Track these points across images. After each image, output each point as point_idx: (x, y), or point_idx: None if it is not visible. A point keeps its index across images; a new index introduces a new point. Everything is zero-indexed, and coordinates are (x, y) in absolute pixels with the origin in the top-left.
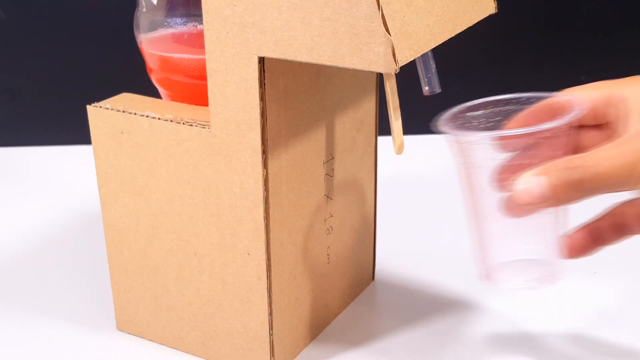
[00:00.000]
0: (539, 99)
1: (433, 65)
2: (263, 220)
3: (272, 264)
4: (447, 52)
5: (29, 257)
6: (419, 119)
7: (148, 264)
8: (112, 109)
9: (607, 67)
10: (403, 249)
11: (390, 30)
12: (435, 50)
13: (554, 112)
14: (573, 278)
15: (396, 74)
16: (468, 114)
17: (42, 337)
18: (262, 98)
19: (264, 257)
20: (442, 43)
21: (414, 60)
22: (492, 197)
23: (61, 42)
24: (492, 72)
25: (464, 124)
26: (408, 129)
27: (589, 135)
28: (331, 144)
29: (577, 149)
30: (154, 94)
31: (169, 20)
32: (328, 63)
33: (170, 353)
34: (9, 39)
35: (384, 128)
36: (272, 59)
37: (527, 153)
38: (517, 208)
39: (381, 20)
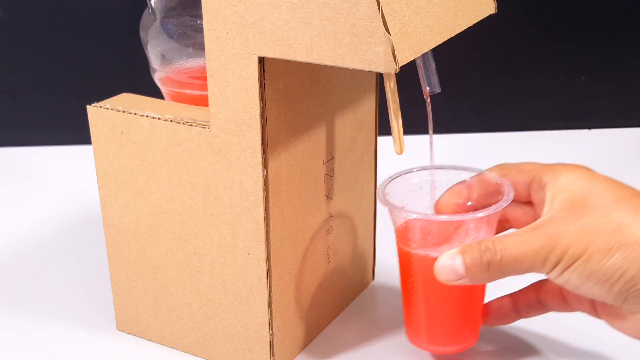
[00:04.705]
0: (474, 171)
1: (433, 65)
2: (263, 220)
3: (272, 264)
4: (447, 52)
5: (29, 257)
6: (419, 119)
7: (148, 264)
8: (112, 109)
9: (607, 67)
10: None
11: (390, 30)
12: (435, 50)
13: (486, 191)
14: None
15: (396, 74)
16: (407, 179)
17: (42, 337)
18: (262, 98)
19: (264, 257)
20: (442, 43)
21: (414, 60)
22: (421, 267)
23: (61, 42)
24: (492, 72)
25: (402, 189)
26: (408, 129)
27: (519, 211)
28: (331, 144)
29: (505, 223)
30: (154, 94)
31: (166, 22)
32: (328, 63)
33: (170, 353)
34: (9, 39)
35: (384, 128)
36: (272, 58)
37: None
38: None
39: (381, 20)
